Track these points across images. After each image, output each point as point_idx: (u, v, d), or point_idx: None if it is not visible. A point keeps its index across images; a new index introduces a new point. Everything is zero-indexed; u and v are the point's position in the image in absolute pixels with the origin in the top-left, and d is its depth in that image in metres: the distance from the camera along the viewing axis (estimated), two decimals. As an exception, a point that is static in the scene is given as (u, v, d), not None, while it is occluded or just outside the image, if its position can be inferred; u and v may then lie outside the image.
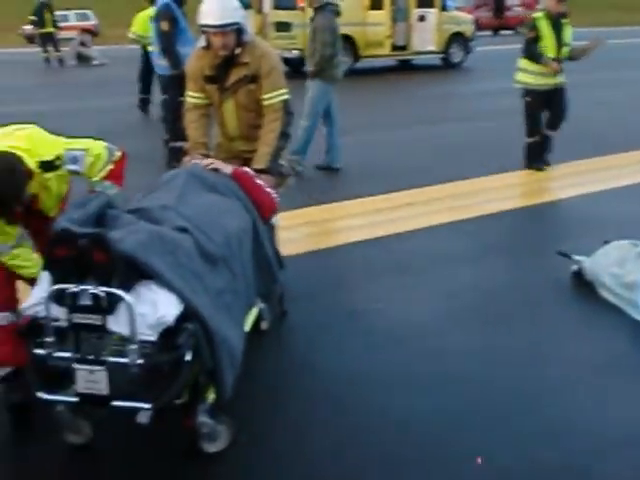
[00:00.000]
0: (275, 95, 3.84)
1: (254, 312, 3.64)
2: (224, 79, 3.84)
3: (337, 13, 7.21)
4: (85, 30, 23.81)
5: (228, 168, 3.56)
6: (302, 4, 15.01)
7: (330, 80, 7.16)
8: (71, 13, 27.21)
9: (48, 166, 2.85)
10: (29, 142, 2.83)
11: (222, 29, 3.64)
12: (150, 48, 9.62)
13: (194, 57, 3.95)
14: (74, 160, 2.94)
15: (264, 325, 3.83)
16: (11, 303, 2.95)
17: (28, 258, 2.95)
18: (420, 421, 3.05)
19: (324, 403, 3.20)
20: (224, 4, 3.67)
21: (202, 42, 3.84)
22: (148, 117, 10.87)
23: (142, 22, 10.37)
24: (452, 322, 3.97)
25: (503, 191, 6.60)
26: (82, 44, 20.32)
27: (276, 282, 3.59)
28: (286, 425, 3.04)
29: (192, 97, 4.01)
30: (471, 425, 3.03)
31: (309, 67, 7.23)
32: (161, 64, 7.21)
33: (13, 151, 2.73)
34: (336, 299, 4.27)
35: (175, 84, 6.86)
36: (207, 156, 3.88)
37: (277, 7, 14.81)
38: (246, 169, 3.68)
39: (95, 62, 19.34)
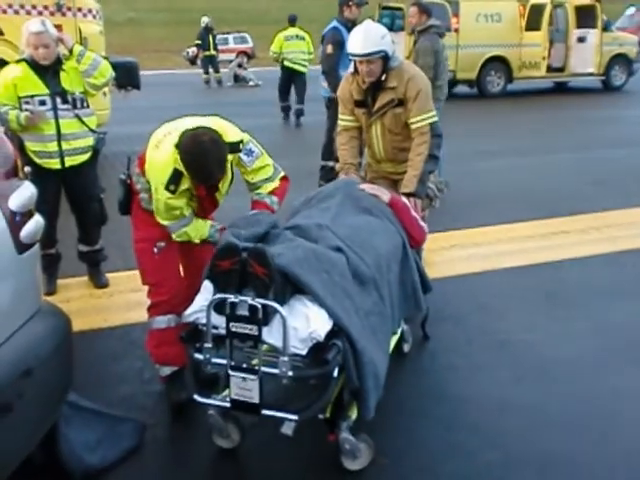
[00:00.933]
0: (422, 118, 3.85)
1: (397, 333, 3.63)
2: (371, 103, 3.91)
3: (442, 35, 7.11)
4: (242, 52, 25.00)
5: (386, 196, 3.56)
6: (456, 26, 14.93)
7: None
8: (230, 36, 28.67)
9: (233, 147, 3.03)
10: (217, 125, 3.03)
11: (367, 57, 3.71)
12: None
13: (344, 82, 4.06)
14: (250, 153, 3.12)
15: (406, 347, 3.81)
16: (180, 307, 3.06)
17: (196, 229, 3.14)
18: (565, 462, 2.91)
19: (463, 432, 3.12)
20: (370, 33, 3.73)
21: (351, 68, 3.95)
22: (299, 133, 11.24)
23: (277, 41, 12.20)
24: (604, 360, 3.76)
25: (668, 222, 6.15)
26: (239, 66, 21.33)
27: (420, 309, 3.53)
28: (424, 451, 2.99)
29: (343, 120, 4.11)
30: (618, 470, 2.84)
31: None
32: (324, 86, 7.39)
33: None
34: (482, 326, 4.15)
35: (333, 106, 7.10)
36: (362, 178, 3.99)
37: (429, 29, 14.75)
38: (404, 200, 3.68)
39: (251, 83, 20.20)
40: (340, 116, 4.14)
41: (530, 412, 3.30)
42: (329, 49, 7.04)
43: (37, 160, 4.29)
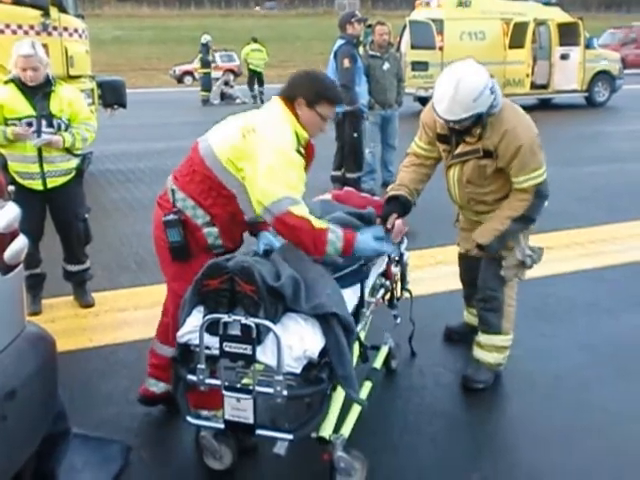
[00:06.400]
0: (527, 179, 3.27)
1: (385, 350, 3.63)
2: (454, 144, 3.40)
3: None
4: (229, 70, 25.10)
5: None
6: (440, 44, 15.08)
7: None
8: (217, 54, 28.81)
9: None
10: None
11: (454, 124, 3.20)
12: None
13: (431, 108, 3.35)
14: None
15: (394, 364, 3.82)
16: None
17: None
18: (551, 476, 2.93)
19: (453, 449, 3.12)
20: (459, 95, 3.09)
21: None
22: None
23: (245, 52, 20.20)
24: (590, 375, 3.78)
25: (653, 238, 6.21)
26: (226, 84, 21.39)
27: None
28: (413, 468, 2.98)
29: (418, 145, 3.63)
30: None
31: (396, 100, 8.22)
32: None
33: None
34: (469, 342, 4.14)
35: (349, 120, 7.44)
36: (406, 201, 3.50)
37: (414, 47, 14.95)
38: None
39: (237, 101, 20.23)
40: (416, 140, 3.64)
41: (517, 427, 3.34)
42: (346, 63, 7.22)
43: (20, 180, 4.27)
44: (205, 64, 20.11)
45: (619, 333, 4.29)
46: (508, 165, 3.29)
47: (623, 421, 3.31)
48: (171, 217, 2.88)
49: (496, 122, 3.24)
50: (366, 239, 2.83)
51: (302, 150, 2.88)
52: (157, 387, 3.31)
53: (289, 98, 2.90)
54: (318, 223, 2.73)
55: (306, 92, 2.87)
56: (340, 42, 7.40)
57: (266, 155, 2.71)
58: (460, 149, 3.40)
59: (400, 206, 3.47)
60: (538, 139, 3.31)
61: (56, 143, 4.25)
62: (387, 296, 3.62)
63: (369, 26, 16.03)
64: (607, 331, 4.32)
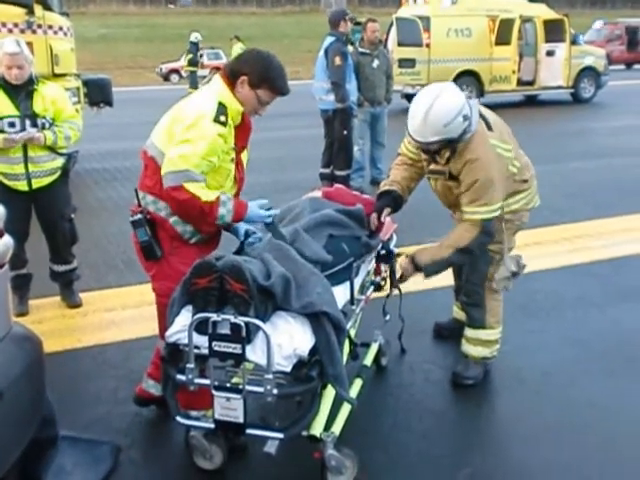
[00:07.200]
0: (474, 211, 3.26)
1: (375, 347, 3.63)
2: (430, 159, 3.42)
3: None
4: (216, 68, 25.11)
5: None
6: (427, 41, 15.10)
7: None
8: (205, 52, 28.76)
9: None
10: None
11: (423, 145, 3.27)
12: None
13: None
14: None
15: (384, 361, 3.82)
16: None
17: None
18: (540, 473, 2.94)
19: (443, 446, 3.13)
20: (430, 118, 3.10)
21: None
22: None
23: (234, 49, 19.55)
24: (578, 371, 3.79)
25: (640, 233, 6.24)
26: (212, 81, 21.45)
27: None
28: (404, 465, 2.99)
29: (407, 148, 3.65)
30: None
31: (385, 97, 8.19)
32: (326, 99, 7.58)
33: None
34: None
35: (339, 118, 7.49)
36: (398, 197, 3.58)
37: (401, 44, 14.96)
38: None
39: (225, 98, 20.33)
40: (405, 143, 3.63)
41: (507, 423, 3.35)
42: (337, 60, 7.28)
43: (5, 181, 4.23)
44: (193, 63, 20.10)
45: (607, 328, 4.32)
46: (464, 194, 3.30)
47: (611, 416, 3.33)
48: (136, 217, 2.92)
49: (463, 149, 3.24)
50: (254, 209, 2.95)
51: (228, 120, 2.83)
52: (156, 389, 3.25)
53: (233, 74, 2.89)
54: (208, 196, 2.77)
55: (251, 72, 2.85)
56: (330, 39, 7.42)
57: (180, 130, 2.77)
58: (432, 167, 3.45)
59: (392, 201, 3.54)
60: (498, 175, 3.27)
61: (37, 140, 4.20)
62: (376, 293, 3.63)
63: (357, 24, 16.16)
64: (595, 326, 4.35)
